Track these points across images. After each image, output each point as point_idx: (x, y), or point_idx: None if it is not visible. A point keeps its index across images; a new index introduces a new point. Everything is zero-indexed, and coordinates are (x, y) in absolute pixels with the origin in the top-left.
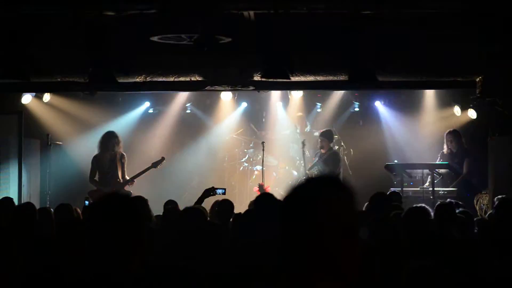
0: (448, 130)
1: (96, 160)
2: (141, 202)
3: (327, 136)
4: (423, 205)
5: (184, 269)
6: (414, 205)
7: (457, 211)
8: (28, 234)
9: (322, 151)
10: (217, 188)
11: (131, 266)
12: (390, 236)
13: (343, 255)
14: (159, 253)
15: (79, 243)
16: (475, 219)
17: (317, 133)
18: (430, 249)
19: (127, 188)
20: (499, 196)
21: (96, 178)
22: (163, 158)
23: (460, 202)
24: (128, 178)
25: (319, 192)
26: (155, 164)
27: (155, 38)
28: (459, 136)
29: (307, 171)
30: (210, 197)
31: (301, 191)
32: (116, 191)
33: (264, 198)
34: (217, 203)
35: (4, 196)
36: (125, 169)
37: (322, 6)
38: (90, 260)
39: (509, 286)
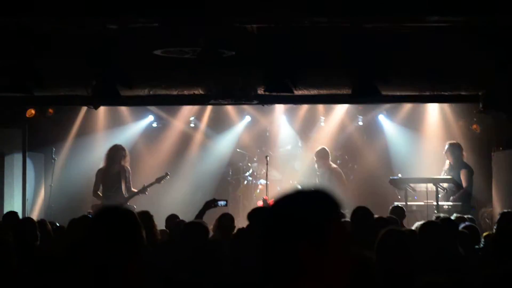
0: (448, 142)
1: (101, 173)
2: (146, 217)
3: (320, 155)
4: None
5: (187, 283)
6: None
7: (462, 225)
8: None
9: (321, 170)
10: (218, 200)
11: (127, 281)
12: (399, 252)
13: (336, 271)
14: (162, 268)
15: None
16: (484, 234)
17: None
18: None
19: (132, 202)
20: (504, 211)
21: (100, 191)
22: (167, 174)
23: (465, 216)
24: (135, 190)
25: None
26: (159, 180)
27: (158, 52)
28: (458, 148)
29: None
30: (213, 210)
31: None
32: (114, 205)
33: (257, 213)
34: (219, 216)
35: (8, 210)
36: (131, 183)
37: (324, 20)
38: (84, 274)
39: None
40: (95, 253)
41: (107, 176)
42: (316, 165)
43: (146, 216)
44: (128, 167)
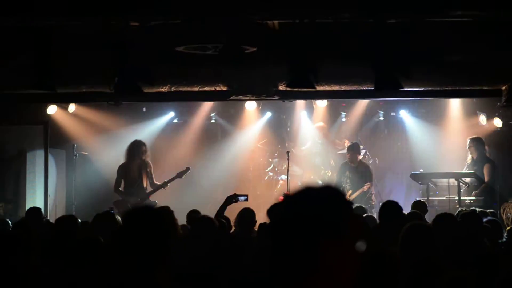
0: (471, 137)
1: (122, 169)
2: (167, 213)
3: (354, 149)
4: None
5: (209, 277)
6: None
7: (484, 220)
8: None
9: (352, 164)
10: (239, 195)
11: (156, 280)
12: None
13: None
14: (185, 263)
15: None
16: (508, 228)
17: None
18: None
19: (153, 197)
20: None
21: (121, 187)
22: (188, 168)
23: (487, 211)
24: (158, 183)
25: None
26: (180, 174)
27: (180, 48)
28: (481, 143)
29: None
30: (234, 205)
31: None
32: (143, 203)
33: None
34: (240, 211)
35: (31, 206)
36: (153, 177)
37: (347, 16)
38: (113, 274)
39: None
40: (128, 253)
41: (129, 171)
42: (348, 160)
43: (167, 213)
44: (150, 162)
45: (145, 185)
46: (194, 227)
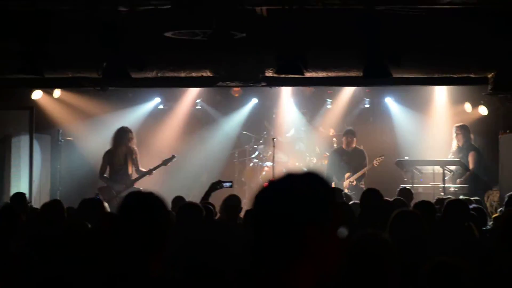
0: (457, 124)
1: (108, 155)
2: (163, 202)
3: (351, 134)
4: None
5: (193, 265)
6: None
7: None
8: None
9: (348, 149)
10: (223, 182)
11: (148, 269)
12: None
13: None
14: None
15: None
16: (493, 216)
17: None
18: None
19: (137, 184)
20: (510, 193)
21: (106, 174)
22: (173, 156)
23: (472, 199)
24: (144, 170)
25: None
26: (165, 162)
27: (169, 34)
28: (467, 130)
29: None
30: (219, 191)
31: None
32: (128, 190)
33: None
34: (225, 198)
35: (15, 191)
36: (139, 164)
37: (337, 2)
38: (110, 260)
39: None
40: (124, 242)
41: (114, 158)
42: (344, 144)
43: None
44: (135, 148)
45: (130, 172)
46: (180, 214)
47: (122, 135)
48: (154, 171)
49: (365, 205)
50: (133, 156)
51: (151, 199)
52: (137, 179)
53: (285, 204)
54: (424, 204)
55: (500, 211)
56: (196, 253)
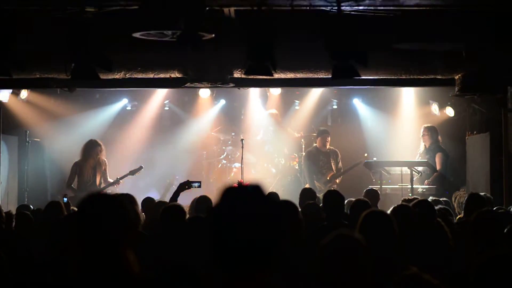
0: (425, 125)
1: (77, 166)
2: (131, 200)
3: (326, 133)
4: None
5: (173, 265)
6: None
7: (436, 208)
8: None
9: (324, 149)
10: (192, 182)
11: (123, 267)
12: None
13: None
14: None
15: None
16: (457, 217)
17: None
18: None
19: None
20: (472, 192)
21: (74, 185)
22: (141, 167)
23: (440, 199)
24: (111, 180)
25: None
26: (132, 172)
27: (137, 35)
28: (434, 132)
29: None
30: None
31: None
32: (97, 192)
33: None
34: (195, 199)
35: None
36: (107, 175)
37: (305, 3)
38: (77, 263)
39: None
40: (88, 243)
41: (82, 170)
42: (320, 145)
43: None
44: (105, 160)
45: (97, 183)
46: (164, 217)
47: (91, 148)
48: (121, 181)
49: (327, 206)
50: (102, 168)
51: (104, 199)
52: (103, 189)
53: (265, 218)
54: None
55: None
56: (175, 252)
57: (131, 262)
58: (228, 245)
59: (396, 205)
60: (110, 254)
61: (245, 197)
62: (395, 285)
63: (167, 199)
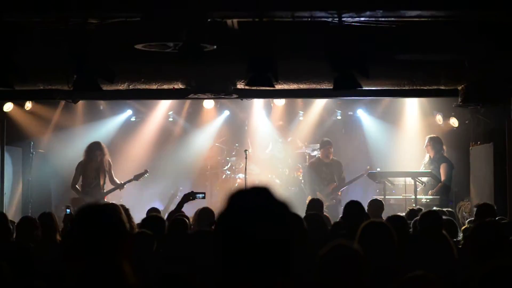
0: (429, 136)
1: (81, 166)
2: (123, 210)
3: (330, 145)
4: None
5: (175, 276)
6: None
7: None
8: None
9: (326, 160)
10: (196, 193)
11: (122, 275)
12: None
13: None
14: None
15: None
16: (463, 227)
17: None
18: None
19: (110, 197)
20: (477, 204)
21: (78, 185)
22: (146, 171)
23: (444, 210)
24: (118, 181)
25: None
26: (137, 177)
27: (139, 46)
28: (439, 142)
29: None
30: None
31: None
32: (97, 202)
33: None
34: (198, 210)
35: None
36: (113, 175)
37: (306, 15)
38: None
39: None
40: (84, 253)
41: (86, 171)
42: (323, 156)
43: (123, 210)
44: (109, 160)
45: (102, 184)
46: (171, 227)
47: (92, 150)
48: (125, 185)
49: (347, 217)
50: (106, 169)
51: (98, 210)
52: (108, 192)
53: (278, 220)
54: (396, 218)
55: (469, 221)
56: (170, 265)
57: (127, 272)
58: (245, 249)
59: (390, 216)
60: (106, 264)
61: (256, 196)
62: (399, 285)
63: (170, 210)
